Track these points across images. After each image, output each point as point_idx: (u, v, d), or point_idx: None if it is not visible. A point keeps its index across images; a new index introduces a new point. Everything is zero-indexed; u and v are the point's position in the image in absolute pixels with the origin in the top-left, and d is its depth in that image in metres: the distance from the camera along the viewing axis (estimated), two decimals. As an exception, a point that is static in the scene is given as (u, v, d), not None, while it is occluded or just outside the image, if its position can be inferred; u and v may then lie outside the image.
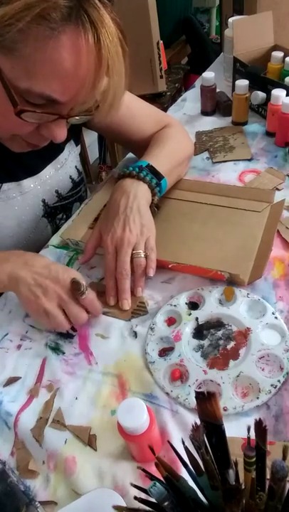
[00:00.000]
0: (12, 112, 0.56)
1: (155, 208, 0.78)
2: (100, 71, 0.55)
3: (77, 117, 0.61)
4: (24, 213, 0.81)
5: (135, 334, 0.66)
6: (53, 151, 0.83)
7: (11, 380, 0.63)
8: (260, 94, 1.02)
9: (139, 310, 0.69)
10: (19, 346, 0.67)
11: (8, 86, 0.54)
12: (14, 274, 0.65)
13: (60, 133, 0.62)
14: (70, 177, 0.88)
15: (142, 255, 0.69)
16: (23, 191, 0.79)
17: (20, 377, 0.63)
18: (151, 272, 0.69)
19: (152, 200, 0.76)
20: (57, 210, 0.88)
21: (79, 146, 0.92)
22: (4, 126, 0.62)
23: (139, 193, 0.73)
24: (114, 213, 0.72)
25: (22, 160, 0.77)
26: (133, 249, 0.69)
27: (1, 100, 0.55)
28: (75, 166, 0.89)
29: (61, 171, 0.85)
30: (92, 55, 0.53)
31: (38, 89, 0.54)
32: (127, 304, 0.68)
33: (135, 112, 0.87)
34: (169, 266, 0.71)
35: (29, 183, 0.80)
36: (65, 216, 0.90)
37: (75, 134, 0.88)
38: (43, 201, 0.84)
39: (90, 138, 2.18)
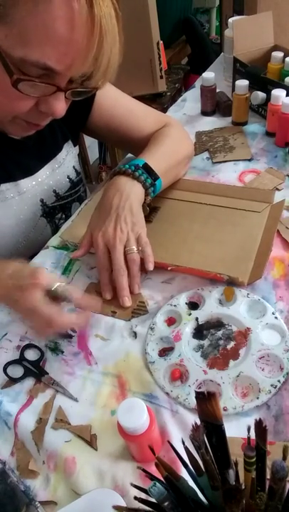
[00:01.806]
0: (9, 85, 0.54)
1: (147, 207, 0.78)
2: (93, 33, 0.53)
3: (76, 90, 0.60)
4: (22, 213, 0.81)
5: (135, 334, 0.66)
6: (51, 150, 0.83)
7: (11, 381, 0.63)
8: (260, 94, 1.02)
9: (139, 310, 0.69)
10: (18, 347, 0.67)
11: (3, 56, 0.53)
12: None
13: (60, 107, 0.60)
14: (68, 177, 0.88)
15: (135, 251, 0.69)
16: (21, 191, 0.79)
17: (20, 378, 0.63)
18: (151, 266, 0.69)
19: (145, 199, 0.76)
20: (56, 210, 0.88)
21: (77, 147, 0.91)
22: (5, 105, 0.60)
23: (132, 193, 0.73)
24: (106, 211, 0.72)
25: (19, 160, 0.76)
26: (125, 247, 0.69)
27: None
28: (73, 167, 0.89)
29: (59, 171, 0.85)
30: (84, 16, 0.52)
31: (33, 57, 0.53)
32: (128, 300, 0.68)
33: (134, 111, 0.87)
34: (169, 268, 0.71)
35: (27, 183, 0.80)
36: (64, 216, 0.90)
37: (73, 135, 0.88)
38: (42, 201, 0.84)
39: (90, 138, 2.17)
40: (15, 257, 0.82)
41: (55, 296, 0.60)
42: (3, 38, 0.52)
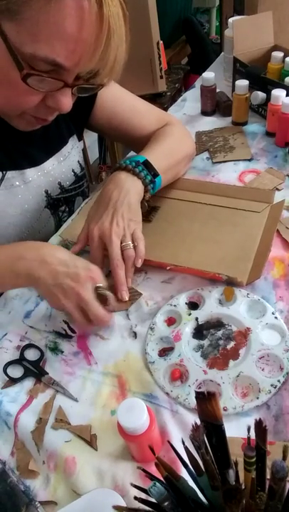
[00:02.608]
0: (19, 81, 0.56)
1: (147, 205, 0.78)
2: (101, 32, 0.55)
3: (82, 86, 0.61)
4: (27, 202, 0.81)
5: (135, 334, 0.66)
6: (57, 143, 0.84)
7: (11, 381, 0.63)
8: (260, 94, 1.02)
9: (133, 295, 0.70)
10: (18, 347, 0.67)
11: (14, 51, 0.54)
12: (32, 275, 0.63)
13: (66, 102, 0.62)
14: (73, 170, 0.89)
15: (131, 246, 0.69)
16: (26, 180, 0.79)
17: (20, 378, 0.63)
18: (140, 263, 0.70)
19: (144, 196, 0.76)
20: (60, 202, 0.88)
21: (82, 142, 0.92)
22: (13, 100, 0.62)
23: (132, 189, 0.73)
24: (105, 205, 0.72)
25: (26, 150, 0.77)
26: (121, 242, 0.69)
27: (8, 68, 0.55)
28: (78, 161, 0.90)
29: (64, 164, 0.86)
30: (93, 15, 0.53)
31: (42, 53, 0.54)
32: (126, 294, 0.68)
33: (137, 108, 0.88)
34: (167, 268, 0.71)
35: (32, 173, 0.80)
36: (67, 209, 0.90)
37: (77, 129, 0.88)
38: (46, 192, 0.84)
39: (90, 138, 2.18)
40: None
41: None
42: (15, 34, 0.53)
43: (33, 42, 0.53)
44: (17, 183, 0.78)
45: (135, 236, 0.71)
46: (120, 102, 0.86)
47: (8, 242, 0.81)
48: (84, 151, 2.00)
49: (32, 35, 0.53)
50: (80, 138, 0.91)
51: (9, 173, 0.77)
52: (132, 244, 0.69)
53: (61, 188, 0.87)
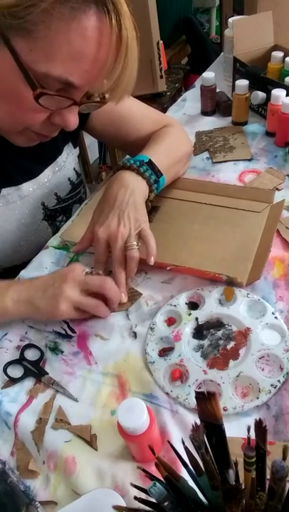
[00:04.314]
0: (28, 99, 0.55)
1: (149, 204, 0.77)
2: (119, 54, 0.55)
3: (89, 104, 0.61)
4: (24, 217, 0.81)
5: (135, 334, 0.66)
6: (52, 153, 0.83)
7: (11, 381, 0.63)
8: (260, 94, 1.02)
9: (133, 295, 0.70)
10: (18, 347, 0.67)
11: (26, 70, 0.53)
12: (23, 298, 0.65)
13: (73, 120, 0.61)
14: (69, 179, 0.88)
15: (135, 247, 0.69)
16: (22, 195, 0.79)
17: (20, 378, 0.63)
18: (152, 261, 0.69)
19: (148, 196, 0.75)
20: (57, 213, 0.88)
21: (77, 148, 0.91)
22: (18, 117, 0.61)
23: (136, 189, 0.73)
24: (110, 206, 0.71)
25: (20, 163, 0.76)
26: (126, 242, 0.69)
27: (17, 86, 0.54)
28: (74, 168, 0.89)
29: (60, 174, 0.85)
30: (113, 37, 0.53)
31: (56, 72, 0.53)
32: (125, 296, 0.68)
33: (133, 113, 0.87)
34: (168, 268, 0.71)
35: (28, 187, 0.80)
36: (65, 218, 0.90)
37: (73, 137, 0.88)
38: (43, 204, 0.84)
39: (90, 138, 2.16)
40: (16, 261, 0.82)
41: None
42: (28, 52, 0.52)
43: (47, 61, 0.52)
44: (13, 199, 0.78)
45: (144, 234, 0.70)
46: (117, 108, 0.85)
47: (5, 255, 0.82)
48: (84, 151, 2.01)
49: (47, 54, 0.52)
50: (76, 145, 0.90)
51: (4, 190, 0.76)
52: (136, 245, 0.69)
53: (58, 198, 0.86)
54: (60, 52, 0.52)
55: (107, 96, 0.61)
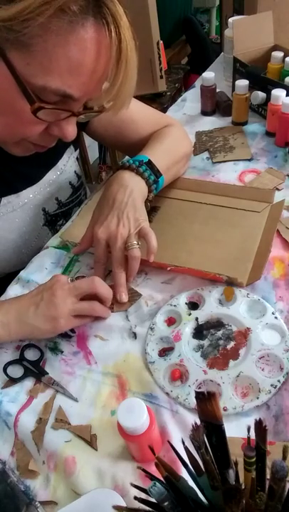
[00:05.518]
0: (26, 112, 0.54)
1: (148, 204, 0.77)
2: (119, 66, 0.54)
3: (87, 114, 0.60)
4: (25, 224, 0.81)
5: (135, 335, 0.66)
6: (52, 158, 0.82)
7: (11, 381, 0.63)
8: (260, 94, 1.02)
9: (133, 296, 0.70)
10: (18, 347, 0.67)
11: (23, 84, 0.52)
12: (13, 319, 0.63)
13: (72, 130, 0.61)
14: (70, 183, 0.88)
15: (136, 246, 0.68)
16: (23, 202, 0.79)
17: (20, 378, 0.63)
18: (152, 258, 0.69)
19: (147, 196, 0.75)
20: (57, 218, 0.87)
21: (78, 150, 0.91)
22: (15, 129, 0.60)
23: (136, 189, 0.72)
24: (109, 206, 0.71)
25: (20, 170, 0.75)
26: (126, 242, 0.69)
27: (14, 100, 0.54)
28: (74, 171, 0.89)
29: (61, 178, 0.85)
30: (113, 49, 0.53)
31: (54, 85, 0.52)
32: (125, 296, 0.68)
33: (134, 115, 0.86)
34: (168, 269, 0.71)
35: (28, 193, 0.79)
36: (65, 222, 0.89)
37: (74, 140, 0.87)
38: (44, 210, 0.83)
39: (90, 138, 2.18)
40: (18, 266, 0.82)
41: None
42: (25, 65, 0.51)
43: (45, 75, 0.51)
44: (13, 207, 0.78)
45: (144, 231, 0.69)
46: None
47: (6, 262, 0.81)
48: (84, 151, 2.01)
49: (44, 67, 0.51)
50: (77, 147, 0.90)
51: (4, 199, 0.76)
52: (136, 245, 0.69)
53: (59, 203, 0.86)
54: (58, 65, 0.51)
55: (106, 105, 0.61)
